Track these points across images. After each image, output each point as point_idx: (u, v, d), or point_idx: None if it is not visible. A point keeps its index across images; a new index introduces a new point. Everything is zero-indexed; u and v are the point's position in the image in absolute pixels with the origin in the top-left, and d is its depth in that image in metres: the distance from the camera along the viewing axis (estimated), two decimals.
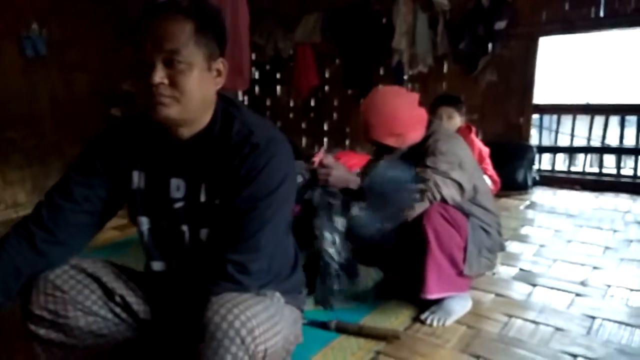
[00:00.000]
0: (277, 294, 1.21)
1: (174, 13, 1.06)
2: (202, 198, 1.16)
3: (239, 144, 1.12)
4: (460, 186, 1.78)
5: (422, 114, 1.91)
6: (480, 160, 2.94)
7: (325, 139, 5.25)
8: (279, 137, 1.17)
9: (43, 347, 1.16)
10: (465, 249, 1.81)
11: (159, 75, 1.03)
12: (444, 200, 1.77)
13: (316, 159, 1.78)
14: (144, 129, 1.20)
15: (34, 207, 1.19)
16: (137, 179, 1.21)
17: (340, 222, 1.73)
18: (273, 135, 1.16)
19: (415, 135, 1.88)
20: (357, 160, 3.55)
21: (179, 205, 1.18)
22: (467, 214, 1.85)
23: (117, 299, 1.21)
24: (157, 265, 1.25)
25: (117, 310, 1.22)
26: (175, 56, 1.04)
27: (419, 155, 1.83)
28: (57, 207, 1.16)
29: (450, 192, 1.76)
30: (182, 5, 1.07)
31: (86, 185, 1.19)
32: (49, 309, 1.13)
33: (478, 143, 3.13)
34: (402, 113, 1.85)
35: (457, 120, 2.94)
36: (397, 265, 2.01)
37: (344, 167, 1.83)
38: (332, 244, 1.70)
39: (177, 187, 1.18)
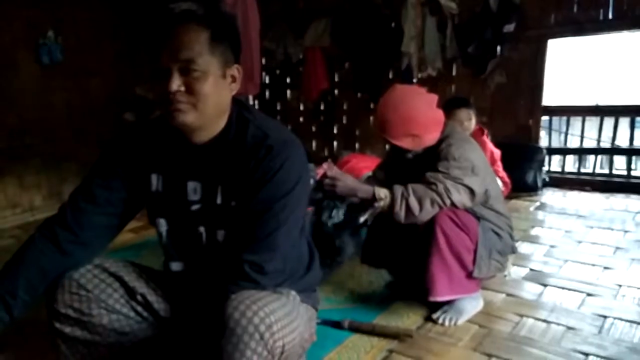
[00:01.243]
0: (293, 292, 1.24)
1: (189, 22, 1.08)
2: (219, 200, 1.19)
3: (254, 147, 1.15)
4: (471, 191, 1.78)
5: (440, 115, 1.88)
6: (492, 162, 2.96)
7: (335, 142, 5.28)
8: (292, 140, 1.20)
9: (68, 345, 1.21)
10: (475, 252, 1.82)
11: (176, 83, 1.07)
12: (454, 205, 1.77)
13: (320, 171, 1.79)
14: (160, 133, 1.23)
15: (58, 209, 1.23)
16: (155, 181, 1.25)
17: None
18: (287, 137, 1.19)
19: (431, 137, 1.85)
20: (368, 162, 3.58)
21: (195, 207, 1.22)
22: (478, 217, 1.86)
23: (139, 297, 1.26)
24: (175, 266, 1.29)
25: (139, 308, 1.26)
26: (191, 65, 1.07)
27: (433, 158, 1.83)
28: (81, 209, 1.21)
29: (461, 197, 1.76)
30: (198, 14, 1.10)
31: (108, 188, 1.23)
32: (74, 307, 1.18)
33: (490, 145, 3.15)
34: (421, 114, 1.81)
35: (474, 121, 2.95)
36: (408, 268, 2.03)
37: (350, 177, 1.83)
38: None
39: (194, 190, 1.22)
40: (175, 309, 1.27)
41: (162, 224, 1.27)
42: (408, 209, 1.73)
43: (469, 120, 2.91)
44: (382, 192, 1.76)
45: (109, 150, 1.27)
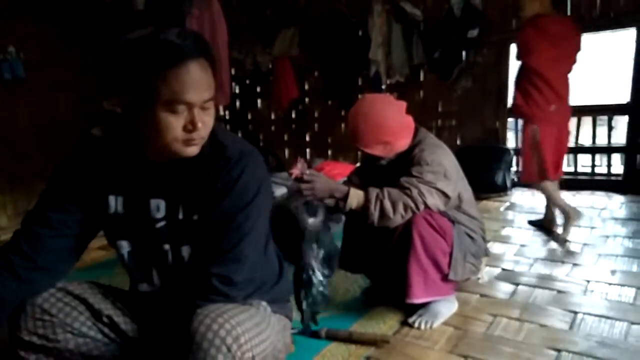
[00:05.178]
0: (264, 303, 1.24)
1: (200, 57, 1.05)
2: (180, 215, 1.18)
3: (212, 159, 1.15)
4: (445, 195, 1.82)
5: (409, 121, 1.93)
6: None
7: (308, 150, 5.29)
8: (250, 150, 1.19)
9: None
10: (450, 255, 1.85)
11: (201, 120, 1.07)
12: (428, 208, 1.79)
13: (294, 171, 1.74)
14: (117, 152, 1.21)
15: (12, 236, 1.18)
16: (113, 203, 1.21)
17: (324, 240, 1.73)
18: (245, 148, 1.19)
19: (402, 143, 1.89)
20: (341, 169, 3.60)
21: (160, 225, 1.19)
22: (453, 221, 1.89)
23: (105, 319, 1.22)
24: (142, 287, 1.26)
25: (106, 330, 1.23)
26: (208, 102, 1.08)
27: (406, 164, 1.86)
28: (35, 234, 1.17)
29: (435, 201, 1.79)
30: (199, 47, 1.06)
31: (62, 210, 1.19)
32: (38, 333, 1.14)
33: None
34: (391, 121, 1.85)
35: None
36: (384, 271, 2.04)
37: (325, 177, 1.83)
38: (316, 259, 1.70)
39: (157, 207, 1.19)
40: (143, 328, 1.25)
41: (124, 245, 1.24)
42: (382, 211, 1.75)
43: None
44: (358, 193, 1.77)
45: (61, 170, 1.23)
